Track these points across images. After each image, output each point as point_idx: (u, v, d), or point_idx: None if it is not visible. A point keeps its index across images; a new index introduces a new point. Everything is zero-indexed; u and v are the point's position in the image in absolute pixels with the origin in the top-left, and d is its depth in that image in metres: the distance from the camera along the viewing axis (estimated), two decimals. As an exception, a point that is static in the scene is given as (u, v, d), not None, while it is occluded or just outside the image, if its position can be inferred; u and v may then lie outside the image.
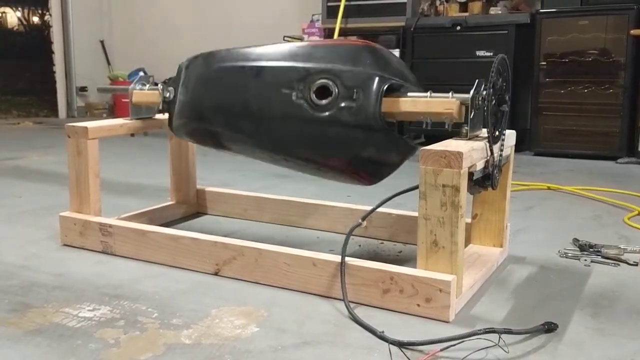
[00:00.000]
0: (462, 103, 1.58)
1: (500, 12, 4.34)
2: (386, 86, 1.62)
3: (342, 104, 1.63)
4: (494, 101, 1.57)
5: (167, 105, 1.99)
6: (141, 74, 5.89)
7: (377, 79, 1.62)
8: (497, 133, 1.63)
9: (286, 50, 1.77)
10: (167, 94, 1.97)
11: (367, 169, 1.72)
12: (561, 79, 4.03)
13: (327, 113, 1.65)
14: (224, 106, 1.81)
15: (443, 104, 1.59)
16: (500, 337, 1.30)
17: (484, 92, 1.55)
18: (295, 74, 1.70)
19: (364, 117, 1.61)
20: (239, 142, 1.85)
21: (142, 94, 2.12)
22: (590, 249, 1.96)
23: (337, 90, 1.64)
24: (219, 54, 1.87)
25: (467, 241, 1.86)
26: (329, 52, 1.71)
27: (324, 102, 1.65)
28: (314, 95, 1.66)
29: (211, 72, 1.86)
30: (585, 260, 1.89)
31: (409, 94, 1.65)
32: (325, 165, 1.74)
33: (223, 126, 1.84)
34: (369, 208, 1.80)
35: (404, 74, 1.70)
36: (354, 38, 4.76)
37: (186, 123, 1.92)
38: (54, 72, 6.67)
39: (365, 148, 1.66)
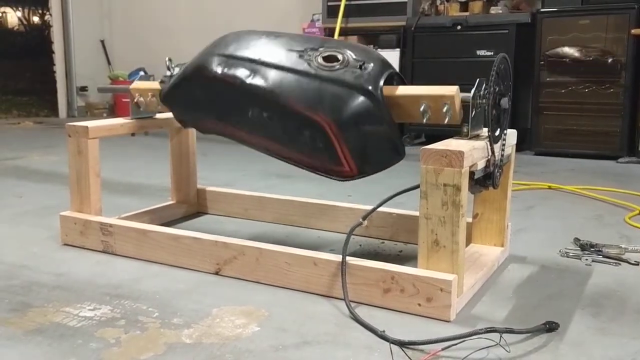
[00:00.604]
0: (463, 102, 1.58)
1: (500, 11, 4.34)
2: (391, 70, 1.64)
3: (347, 69, 1.65)
4: (494, 100, 1.57)
5: (168, 78, 1.98)
6: (141, 73, 5.89)
7: (384, 62, 1.68)
8: (498, 132, 1.63)
9: (307, 37, 1.83)
10: (172, 70, 1.98)
11: (351, 141, 1.64)
12: (562, 78, 4.02)
13: (330, 72, 1.66)
14: (229, 52, 1.81)
15: (443, 88, 1.59)
16: (501, 336, 1.29)
17: (485, 91, 1.55)
18: (310, 43, 1.73)
19: (365, 81, 1.62)
20: (230, 88, 1.78)
21: (142, 83, 2.12)
22: (592, 249, 1.96)
23: (345, 59, 1.66)
24: (238, 31, 1.90)
25: (468, 240, 1.86)
26: (342, 42, 1.78)
27: (330, 64, 1.67)
28: (320, 59, 1.69)
29: (226, 36, 1.88)
30: (587, 259, 1.88)
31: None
32: (310, 119, 1.65)
33: (221, 67, 1.79)
34: (370, 207, 1.80)
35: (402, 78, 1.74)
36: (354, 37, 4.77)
37: (179, 84, 1.91)
38: (55, 72, 6.67)
39: (357, 115, 1.61)
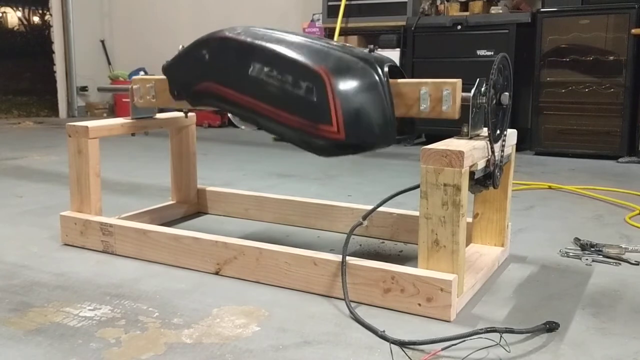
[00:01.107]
0: (464, 102, 1.58)
1: (501, 11, 4.34)
2: (394, 65, 1.65)
3: (357, 50, 1.69)
4: (495, 100, 1.57)
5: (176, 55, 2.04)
6: (142, 73, 5.89)
7: (387, 58, 1.69)
8: (498, 132, 1.63)
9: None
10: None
11: (345, 100, 1.61)
12: (562, 78, 4.02)
13: (340, 47, 1.71)
14: (236, 30, 1.86)
15: (444, 84, 1.60)
16: (501, 336, 1.29)
17: (485, 91, 1.55)
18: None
19: (373, 58, 1.65)
20: (236, 45, 1.82)
21: (143, 76, 2.14)
22: (592, 249, 1.96)
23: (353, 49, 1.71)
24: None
25: (468, 240, 1.86)
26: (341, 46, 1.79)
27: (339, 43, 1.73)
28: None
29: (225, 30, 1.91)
30: (587, 259, 1.88)
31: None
32: (310, 72, 1.65)
33: (230, 31, 1.86)
34: (370, 207, 1.80)
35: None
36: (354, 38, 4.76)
37: (182, 55, 2.00)
38: (55, 72, 6.67)
39: (359, 77, 1.62)
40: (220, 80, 1.86)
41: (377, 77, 1.62)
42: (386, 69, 1.63)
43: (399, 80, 1.64)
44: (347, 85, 1.61)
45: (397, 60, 4.49)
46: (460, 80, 1.58)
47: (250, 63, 1.77)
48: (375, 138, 1.63)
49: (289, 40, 1.76)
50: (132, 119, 2.15)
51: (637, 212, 2.48)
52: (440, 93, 1.58)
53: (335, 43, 1.76)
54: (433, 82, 1.60)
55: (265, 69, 1.74)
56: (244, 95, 1.80)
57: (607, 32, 3.87)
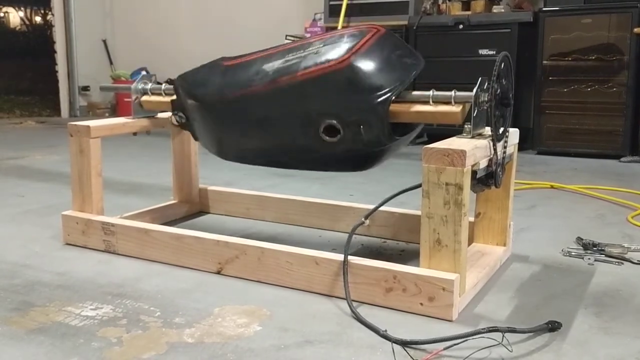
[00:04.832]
0: (465, 101, 1.58)
1: (503, 10, 4.33)
2: (388, 105, 1.60)
3: (353, 137, 1.65)
4: (497, 99, 1.57)
5: (185, 126, 2.02)
6: (143, 73, 5.88)
7: (377, 105, 1.59)
8: (500, 131, 1.62)
9: (278, 90, 1.72)
10: (181, 120, 2.00)
11: (373, 165, 1.80)
12: (564, 77, 4.02)
13: (340, 147, 1.69)
14: (237, 134, 1.87)
15: (446, 115, 1.60)
16: (503, 336, 1.29)
17: (487, 90, 1.54)
18: (300, 120, 1.72)
19: (375, 144, 1.66)
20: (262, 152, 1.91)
21: (153, 101, 2.10)
22: (594, 248, 1.96)
23: (343, 127, 1.65)
24: (220, 85, 1.85)
25: (470, 240, 1.86)
26: (319, 89, 1.66)
27: (334, 139, 1.68)
28: (324, 135, 1.69)
29: (211, 113, 1.88)
30: (589, 259, 1.88)
31: (413, 93, 1.64)
32: (336, 170, 1.86)
33: (236, 152, 1.96)
34: (372, 207, 1.80)
35: (403, 65, 1.66)
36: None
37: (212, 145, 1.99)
38: (57, 72, 6.67)
39: (379, 158, 1.75)
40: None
41: (389, 146, 1.67)
42: (385, 133, 1.62)
43: (403, 116, 1.64)
44: (367, 165, 1.77)
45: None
46: (461, 107, 1.59)
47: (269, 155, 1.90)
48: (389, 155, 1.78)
49: (290, 158, 1.83)
50: (133, 118, 2.15)
51: (640, 211, 2.47)
52: (444, 111, 1.62)
53: (329, 143, 1.70)
54: (436, 118, 1.63)
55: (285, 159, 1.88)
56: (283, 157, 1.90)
57: (610, 31, 3.86)
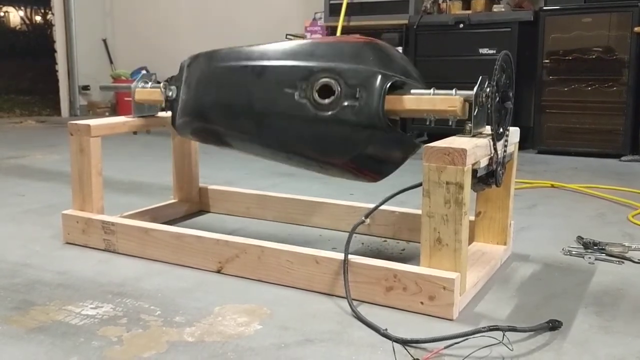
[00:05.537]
0: (466, 100, 1.57)
1: (503, 9, 4.32)
2: (389, 84, 1.61)
3: (345, 103, 1.63)
4: (497, 98, 1.56)
5: (170, 103, 1.99)
6: (143, 72, 5.88)
7: (379, 76, 1.62)
8: (500, 130, 1.62)
9: (288, 48, 1.76)
10: (170, 93, 1.97)
11: (370, 167, 1.71)
12: (564, 76, 4.01)
13: (329, 112, 1.65)
14: (227, 105, 1.81)
15: (446, 101, 1.59)
16: (504, 334, 1.29)
17: (488, 89, 1.54)
18: (298, 73, 1.69)
19: (366, 116, 1.61)
20: (242, 141, 1.85)
21: (145, 91, 2.12)
22: (595, 247, 1.96)
23: (339, 89, 1.64)
24: (221, 53, 1.87)
25: (471, 239, 1.86)
26: (331, 50, 1.71)
27: (326, 101, 1.65)
28: (316, 95, 1.66)
29: (213, 71, 1.85)
30: (590, 258, 1.88)
31: (412, 90, 1.64)
32: (328, 163, 1.74)
33: (225, 125, 1.84)
34: (372, 206, 1.79)
35: (407, 71, 1.69)
36: (357, 35, 4.74)
37: (189, 122, 1.92)
38: (57, 71, 6.67)
39: (368, 146, 1.65)
40: (235, 146, 1.92)
41: (380, 130, 1.62)
42: (381, 105, 1.60)
43: (400, 108, 1.64)
44: (363, 156, 1.68)
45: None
46: (461, 99, 1.58)
47: (266, 152, 1.83)
48: (402, 158, 1.73)
49: (282, 120, 1.73)
50: (134, 117, 2.15)
51: (640, 210, 2.47)
52: (444, 116, 1.61)
53: (322, 105, 1.66)
54: (434, 111, 1.61)
55: (284, 155, 1.80)
56: (274, 152, 1.84)
57: (610, 31, 3.86)
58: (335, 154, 1.70)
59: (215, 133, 1.88)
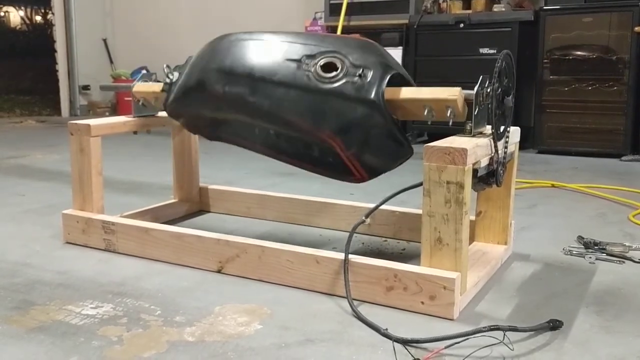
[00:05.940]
0: (467, 99, 1.57)
1: (503, 9, 4.32)
2: (392, 73, 1.63)
3: (347, 79, 1.63)
4: (498, 98, 1.56)
5: (168, 86, 1.97)
6: (143, 72, 5.88)
7: (384, 65, 1.65)
8: (501, 130, 1.62)
9: (298, 33, 1.80)
10: (172, 77, 1.95)
11: (358, 154, 1.68)
12: (565, 76, 4.01)
13: (330, 85, 1.65)
14: (226, 71, 1.80)
15: (446, 91, 1.59)
16: (505, 334, 1.29)
17: (488, 89, 1.54)
18: (306, 50, 1.71)
19: (366, 93, 1.61)
20: (233, 106, 1.80)
21: (144, 85, 2.11)
22: (595, 247, 1.95)
23: (344, 67, 1.65)
24: (229, 35, 1.88)
25: (471, 238, 1.86)
26: (339, 40, 1.75)
27: (329, 75, 1.66)
28: (319, 69, 1.67)
29: (217, 44, 1.86)
30: (590, 257, 1.88)
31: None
32: (317, 138, 1.69)
33: (218, 93, 1.80)
34: (372, 205, 1.79)
35: (403, 72, 1.72)
36: (357, 35, 4.74)
37: (181, 97, 1.90)
38: (57, 71, 6.67)
39: (362, 127, 1.64)
40: (232, 134, 1.91)
41: (377, 113, 1.61)
42: (383, 89, 1.61)
43: (400, 97, 1.64)
44: (356, 140, 1.65)
45: (399, 59, 4.48)
46: (460, 90, 1.58)
47: (253, 125, 1.81)
48: (395, 159, 1.71)
49: (280, 87, 1.71)
50: (134, 117, 2.15)
51: (641, 210, 2.47)
52: (443, 108, 1.60)
53: (324, 78, 1.67)
54: (434, 100, 1.61)
55: (271, 132, 1.78)
56: (262, 147, 1.85)
57: (610, 30, 3.86)
58: (326, 126, 1.66)
59: (205, 105, 1.85)
